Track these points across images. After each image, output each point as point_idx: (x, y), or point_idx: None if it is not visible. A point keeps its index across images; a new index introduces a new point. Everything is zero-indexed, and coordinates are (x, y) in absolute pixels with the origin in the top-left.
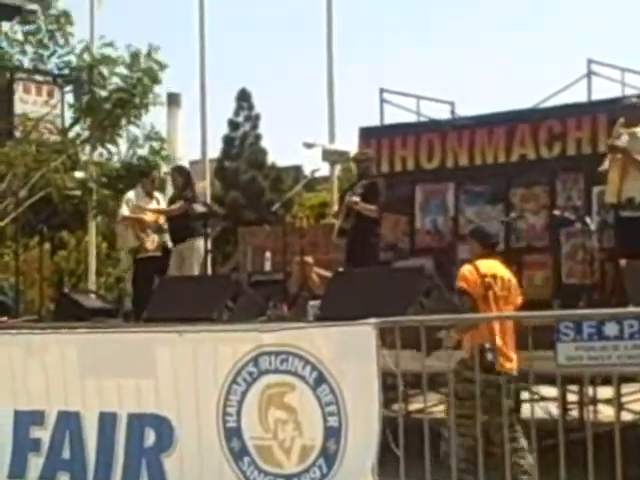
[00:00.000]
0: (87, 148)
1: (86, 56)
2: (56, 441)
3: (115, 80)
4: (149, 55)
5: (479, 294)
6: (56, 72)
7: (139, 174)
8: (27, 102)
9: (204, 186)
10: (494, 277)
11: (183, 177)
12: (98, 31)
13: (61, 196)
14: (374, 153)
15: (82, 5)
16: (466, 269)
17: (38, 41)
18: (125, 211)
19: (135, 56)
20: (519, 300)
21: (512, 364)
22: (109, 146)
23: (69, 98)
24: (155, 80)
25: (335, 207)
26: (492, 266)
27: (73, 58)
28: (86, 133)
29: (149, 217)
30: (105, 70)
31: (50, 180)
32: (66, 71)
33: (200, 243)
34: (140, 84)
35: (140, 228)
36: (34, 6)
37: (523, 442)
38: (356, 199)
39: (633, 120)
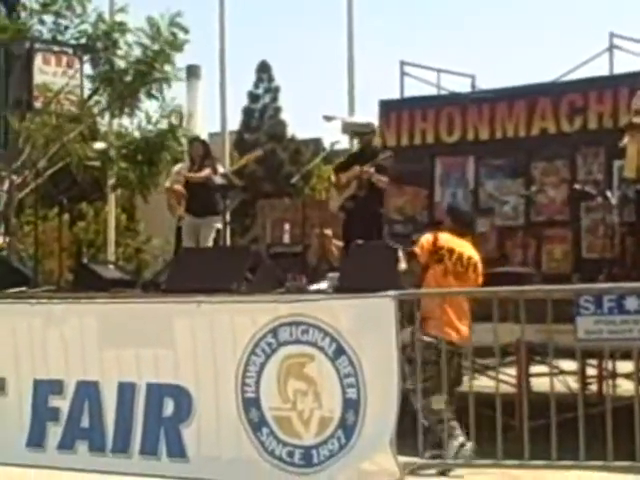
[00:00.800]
0: (106, 118)
1: (101, 24)
2: (75, 410)
3: (135, 53)
4: (171, 23)
5: (426, 263)
6: (74, 42)
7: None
8: (47, 73)
9: (256, 155)
10: (450, 251)
11: (204, 148)
12: (117, 2)
13: (81, 166)
14: (375, 125)
15: None
16: (425, 237)
17: (55, 12)
18: (167, 182)
19: (155, 25)
20: (479, 280)
21: (457, 335)
22: (129, 114)
23: (88, 69)
24: (177, 48)
25: (332, 178)
26: (453, 241)
27: (88, 27)
28: (104, 102)
29: (181, 188)
30: (121, 39)
31: (70, 150)
32: (83, 40)
33: (218, 222)
34: (161, 55)
35: (175, 198)
36: None
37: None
38: (372, 170)
39: None
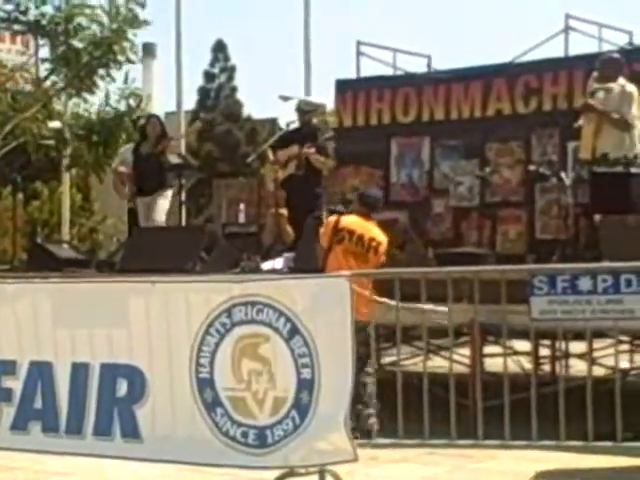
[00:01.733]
0: (63, 98)
1: (64, 5)
2: (28, 391)
3: (94, 27)
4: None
5: (328, 244)
6: (32, 21)
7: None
8: (1, 50)
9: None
10: (350, 233)
11: (161, 127)
12: None
13: (36, 145)
14: (327, 108)
15: None
16: (328, 220)
17: None
18: (114, 163)
19: (114, 5)
20: (380, 260)
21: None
22: (85, 95)
23: (44, 50)
24: (134, 24)
25: (270, 157)
26: (355, 223)
27: (50, 9)
28: (61, 83)
29: (125, 169)
30: (84, 20)
31: (26, 129)
32: (44, 22)
33: (168, 194)
34: (119, 34)
35: (119, 179)
36: None
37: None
38: (312, 150)
39: (610, 74)
